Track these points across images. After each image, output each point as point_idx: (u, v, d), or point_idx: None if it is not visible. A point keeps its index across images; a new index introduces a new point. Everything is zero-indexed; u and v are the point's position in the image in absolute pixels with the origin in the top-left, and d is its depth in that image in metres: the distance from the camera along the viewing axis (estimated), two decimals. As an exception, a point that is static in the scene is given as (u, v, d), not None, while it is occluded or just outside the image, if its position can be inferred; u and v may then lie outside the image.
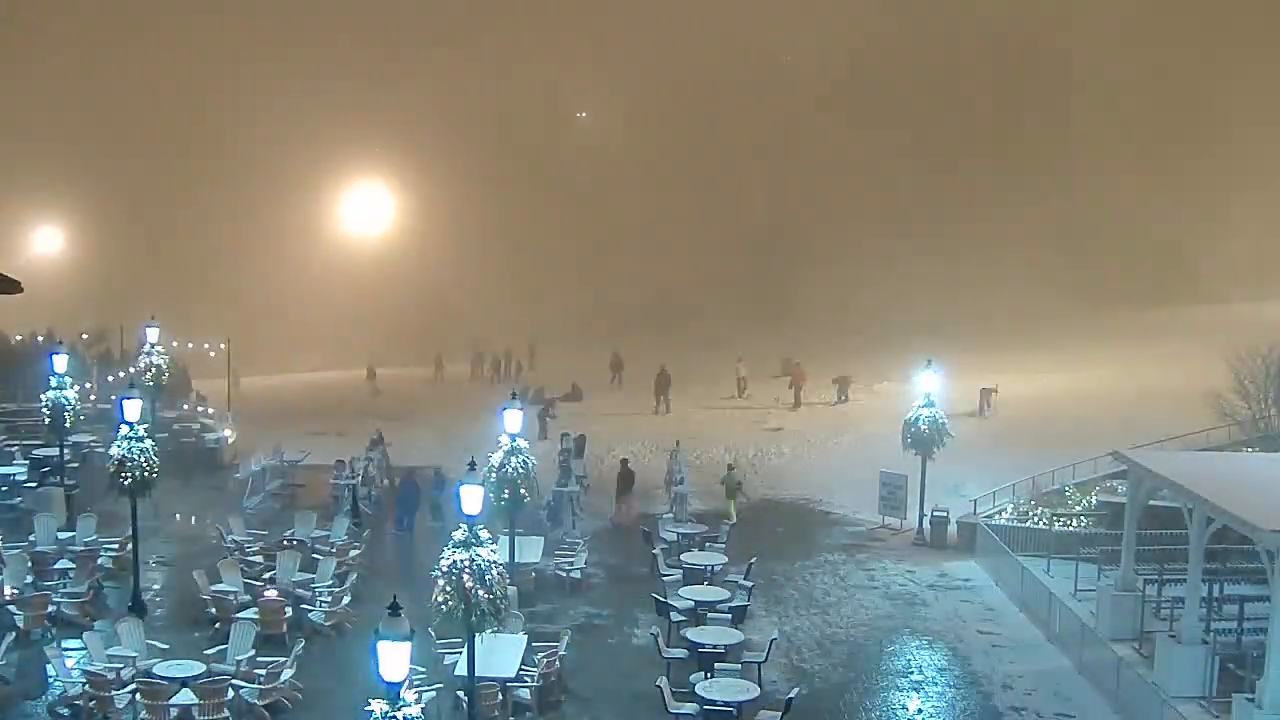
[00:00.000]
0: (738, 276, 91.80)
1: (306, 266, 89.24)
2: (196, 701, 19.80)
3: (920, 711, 21.85)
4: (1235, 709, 19.72)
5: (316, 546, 28.40)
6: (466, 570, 17.18)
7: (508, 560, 24.28)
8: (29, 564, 26.17)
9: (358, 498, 32.94)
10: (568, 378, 54.82)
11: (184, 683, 20.23)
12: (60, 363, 33.00)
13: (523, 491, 25.08)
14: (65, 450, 34.64)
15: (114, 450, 25.00)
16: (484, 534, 17.53)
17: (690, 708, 20.19)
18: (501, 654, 20.77)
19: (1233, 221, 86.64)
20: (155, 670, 20.78)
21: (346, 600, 25.15)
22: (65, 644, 22.60)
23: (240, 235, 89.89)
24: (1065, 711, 21.85)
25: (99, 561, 27.29)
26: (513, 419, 25.02)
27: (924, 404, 32.37)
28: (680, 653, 22.77)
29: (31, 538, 28.56)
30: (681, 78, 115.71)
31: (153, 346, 36.85)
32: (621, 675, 23.05)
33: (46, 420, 33.66)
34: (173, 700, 19.88)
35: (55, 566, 26.64)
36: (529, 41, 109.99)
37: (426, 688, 19.27)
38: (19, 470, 34.48)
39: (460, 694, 19.88)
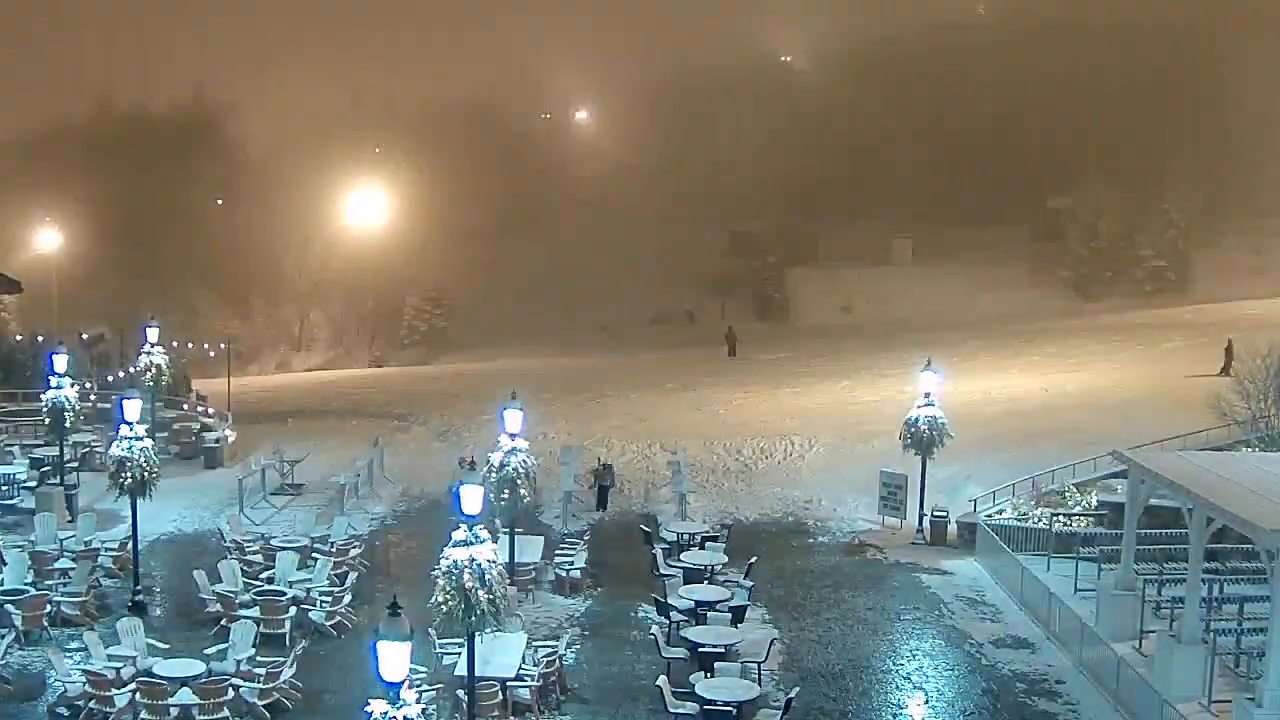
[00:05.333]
0: (735, 277, 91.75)
1: (306, 265, 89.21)
2: (196, 701, 19.82)
3: (920, 710, 21.89)
4: (1235, 709, 19.73)
5: (316, 546, 28.39)
6: (467, 570, 17.19)
7: (508, 560, 24.35)
8: (29, 564, 26.16)
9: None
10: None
11: (184, 683, 20.25)
12: (60, 363, 32.99)
13: (523, 492, 25.14)
14: (65, 450, 34.66)
15: (114, 450, 25.02)
16: (483, 533, 17.57)
17: (690, 707, 20.19)
18: (501, 654, 20.79)
19: (1232, 221, 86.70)
20: (155, 670, 20.79)
21: (347, 600, 25.15)
22: (65, 644, 22.65)
23: (240, 233, 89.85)
24: (1065, 710, 21.87)
25: (99, 561, 27.29)
26: (512, 419, 25.09)
27: (924, 403, 32.35)
28: (680, 652, 22.78)
29: (31, 537, 28.57)
30: (679, 75, 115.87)
31: (153, 346, 36.87)
32: (621, 675, 23.06)
33: (46, 420, 33.67)
34: (173, 700, 19.90)
35: (55, 566, 26.62)
36: (527, 40, 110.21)
37: (426, 687, 19.29)
38: (19, 470, 34.45)
39: (460, 694, 19.88)
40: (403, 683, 14.53)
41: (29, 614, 23.90)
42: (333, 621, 24.60)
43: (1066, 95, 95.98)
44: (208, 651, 21.91)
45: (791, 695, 20.59)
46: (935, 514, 31.93)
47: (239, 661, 21.16)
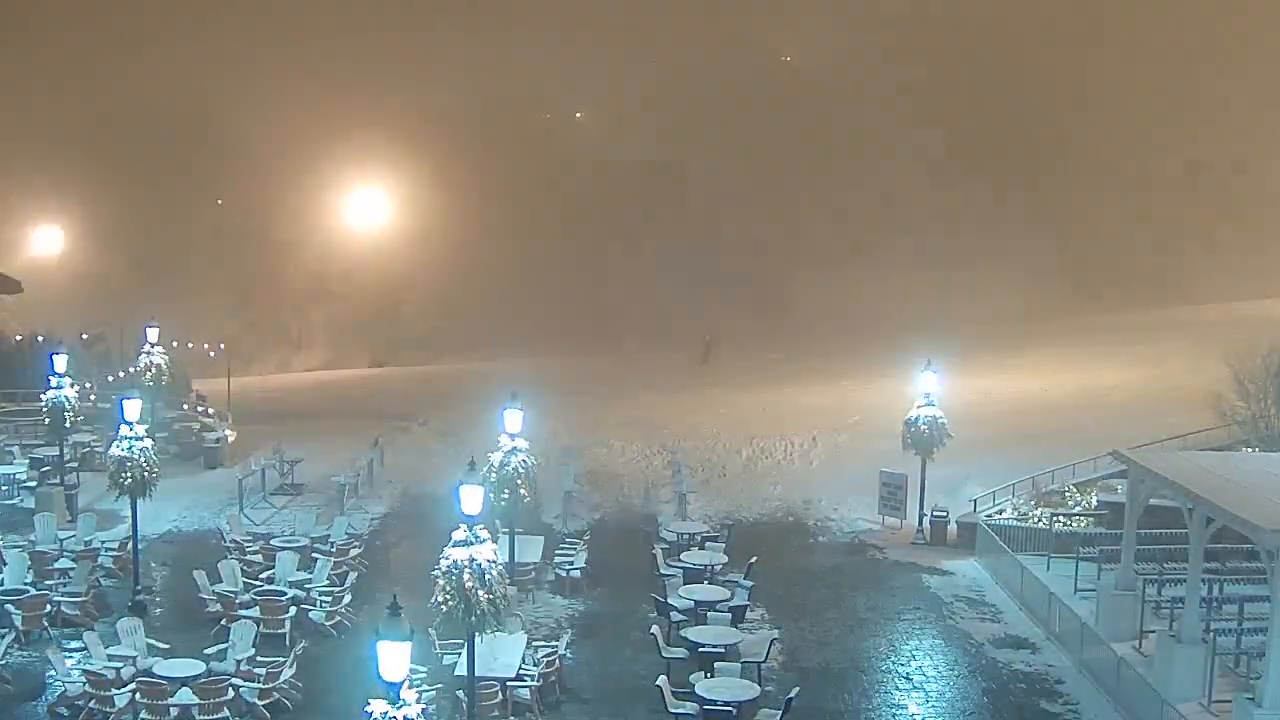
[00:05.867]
0: (735, 277, 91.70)
1: (306, 265, 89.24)
2: (196, 701, 19.82)
3: (920, 710, 21.88)
4: (1235, 709, 19.72)
5: (316, 546, 28.39)
6: (467, 570, 17.18)
7: (508, 560, 24.34)
8: (29, 564, 26.16)
9: None
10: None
11: (184, 683, 20.24)
12: (60, 363, 33.02)
13: (523, 492, 25.12)
14: (65, 450, 34.65)
15: (114, 450, 25.03)
16: (483, 533, 17.55)
17: (690, 707, 20.19)
18: (502, 654, 20.79)
19: (1233, 221, 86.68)
20: (155, 670, 20.79)
21: (347, 600, 25.15)
22: (65, 644, 22.63)
23: (240, 234, 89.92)
24: (1065, 710, 21.87)
25: (99, 561, 27.29)
26: (512, 419, 25.08)
27: (924, 403, 32.34)
28: (680, 652, 22.77)
29: (31, 537, 28.57)
30: (680, 77, 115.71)
31: (153, 346, 36.89)
32: (621, 675, 23.05)
33: (46, 420, 33.69)
34: (173, 700, 19.89)
35: (55, 566, 26.63)
36: (526, 39, 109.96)
37: (426, 687, 19.28)
38: (19, 470, 34.47)
39: (460, 694, 19.87)
40: (403, 683, 14.53)
41: (29, 614, 23.90)
42: (333, 621, 24.60)
43: (1067, 94, 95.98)
44: (208, 651, 21.90)
45: (791, 695, 20.57)
46: (935, 514, 31.94)
47: (239, 661, 21.16)
